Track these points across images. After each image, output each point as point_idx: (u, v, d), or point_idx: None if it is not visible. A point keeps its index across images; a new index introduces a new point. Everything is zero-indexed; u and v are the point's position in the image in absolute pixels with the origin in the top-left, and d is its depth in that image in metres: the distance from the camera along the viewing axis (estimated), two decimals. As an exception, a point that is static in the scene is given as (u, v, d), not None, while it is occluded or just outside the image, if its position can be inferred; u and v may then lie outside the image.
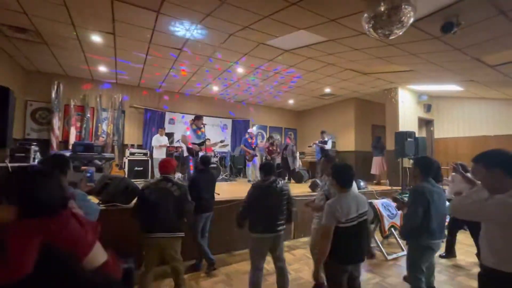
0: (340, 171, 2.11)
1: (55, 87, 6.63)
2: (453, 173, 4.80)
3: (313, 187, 7.17)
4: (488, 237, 1.48)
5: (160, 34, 4.39)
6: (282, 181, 2.75)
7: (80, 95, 7.16)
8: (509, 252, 1.37)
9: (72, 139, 6.63)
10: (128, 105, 7.85)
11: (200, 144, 5.26)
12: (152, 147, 6.93)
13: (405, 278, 3.25)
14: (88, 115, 7.11)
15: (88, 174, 4.31)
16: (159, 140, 6.73)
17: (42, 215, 0.91)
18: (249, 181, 7.14)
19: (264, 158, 7.95)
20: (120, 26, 4.10)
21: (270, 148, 7.82)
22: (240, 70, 6.23)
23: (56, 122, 6.60)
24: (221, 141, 8.10)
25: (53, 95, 6.59)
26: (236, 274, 3.44)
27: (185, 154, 5.53)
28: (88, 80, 7.20)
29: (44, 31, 4.34)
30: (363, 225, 2.08)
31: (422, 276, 2.32)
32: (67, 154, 4.48)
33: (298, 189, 5.88)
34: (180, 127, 8.42)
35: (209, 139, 8.09)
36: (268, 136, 9.27)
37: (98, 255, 1.03)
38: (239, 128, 9.78)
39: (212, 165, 7.45)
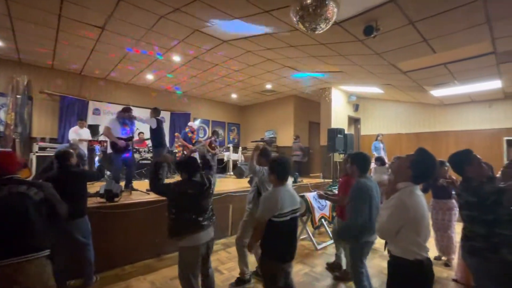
0: (279, 164, 2.07)
1: None
2: (375, 165, 5.39)
3: (238, 173, 7.25)
4: None
5: (72, 6, 3.67)
6: (211, 177, 2.55)
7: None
8: (410, 244, 1.53)
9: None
10: (38, 91, 6.54)
11: (127, 139, 4.65)
12: (70, 142, 5.91)
13: (328, 266, 3.46)
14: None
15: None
16: (78, 134, 5.76)
17: None
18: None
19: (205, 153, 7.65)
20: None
21: (213, 145, 7.58)
22: (176, 58, 5.77)
23: None
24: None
25: None
26: (164, 281, 3.15)
27: (109, 150, 4.85)
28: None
29: None
30: (295, 222, 2.07)
31: (363, 269, 2.42)
32: None
33: (239, 184, 5.81)
34: (106, 118, 7.40)
35: (142, 133, 7.39)
36: (212, 130, 8.97)
37: None
38: (178, 122, 9.20)
39: (147, 161, 6.81)
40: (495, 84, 5.42)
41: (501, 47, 3.79)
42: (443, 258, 3.74)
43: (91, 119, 7.20)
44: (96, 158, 5.84)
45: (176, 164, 2.62)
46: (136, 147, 6.86)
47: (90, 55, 5.69)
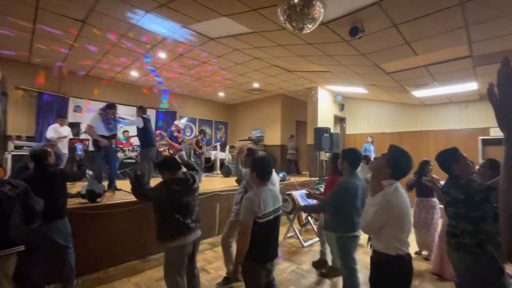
0: (260, 163, 2.01)
1: None
2: (361, 164, 5.52)
3: (226, 172, 7.26)
4: None
5: (51, -2, 3.51)
6: (197, 175, 2.52)
7: None
8: (393, 240, 1.59)
9: None
10: (14, 86, 6.21)
11: (110, 137, 4.50)
12: (49, 140, 5.65)
13: (313, 264, 3.52)
14: None
15: None
16: (57, 131, 5.52)
17: None
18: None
19: (192, 152, 7.56)
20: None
21: (200, 144, 7.49)
22: (162, 55, 5.65)
23: None
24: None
25: None
26: (150, 282, 3.09)
27: (91, 148, 4.68)
28: None
29: None
30: (278, 220, 2.06)
31: (355, 266, 2.45)
32: None
33: (226, 183, 5.78)
34: (89, 116, 7.15)
35: (127, 131, 7.19)
36: (199, 129, 8.86)
37: None
38: (164, 120, 9.02)
39: (131, 160, 6.65)
40: (471, 86, 5.68)
41: (477, 51, 3.97)
42: (423, 253, 3.89)
43: (71, 117, 6.93)
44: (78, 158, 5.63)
45: (156, 165, 2.57)
46: (120, 146, 6.67)
47: (70, 50, 5.46)
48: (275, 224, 2.00)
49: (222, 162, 8.49)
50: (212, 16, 3.68)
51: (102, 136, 4.39)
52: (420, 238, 3.85)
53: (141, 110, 4.92)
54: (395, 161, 1.67)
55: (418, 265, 3.55)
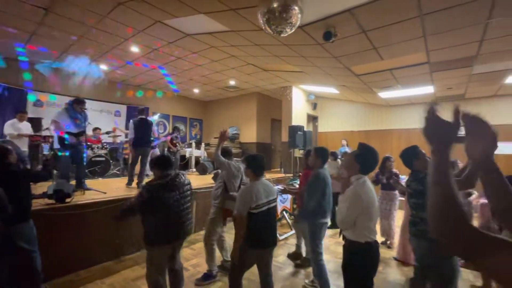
0: (254, 160, 2.21)
1: None
2: (329, 160, 5.86)
3: (202, 169, 7.25)
4: None
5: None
6: (185, 174, 2.57)
7: None
8: (363, 229, 1.77)
9: None
10: (-40, 77, 5.57)
11: (78, 135, 4.25)
12: (6, 137, 5.17)
13: (289, 256, 3.70)
14: None
15: None
16: (16, 128, 5.06)
17: None
18: (146, 175, 6.46)
19: (166, 150, 7.39)
20: None
21: (174, 141, 7.35)
22: (134, 49, 5.43)
23: None
24: (107, 132, 7.00)
25: None
26: (126, 283, 3.03)
27: (56, 145, 4.37)
28: None
29: None
30: (273, 211, 2.22)
31: (322, 249, 2.72)
32: None
33: (202, 181, 5.76)
34: (51, 111, 6.64)
35: (99, 129, 6.84)
36: (173, 126, 8.65)
37: None
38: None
39: (100, 158, 6.33)
40: (428, 89, 6.27)
41: (433, 58, 4.41)
42: (388, 242, 4.27)
43: (32, 112, 6.38)
44: (44, 158, 5.24)
45: (150, 162, 2.59)
46: (89, 143, 6.31)
47: (30, 38, 5.02)
48: (269, 214, 2.16)
49: (197, 159, 8.40)
50: (190, 12, 3.65)
51: (68, 133, 4.15)
52: (382, 226, 4.25)
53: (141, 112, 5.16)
54: (363, 157, 1.86)
55: (383, 252, 3.87)
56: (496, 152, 0.74)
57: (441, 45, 3.89)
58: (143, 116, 5.11)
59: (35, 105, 6.56)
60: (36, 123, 5.95)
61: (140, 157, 5.01)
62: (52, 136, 5.36)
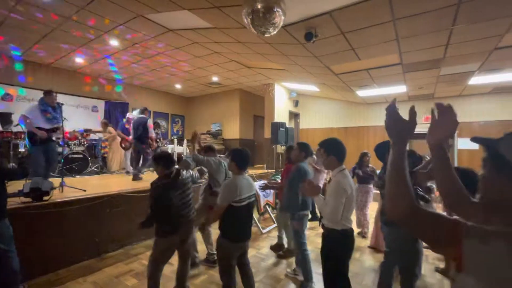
0: (239, 154, 2.26)
1: None
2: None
3: (185, 166, 7.20)
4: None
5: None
6: (185, 171, 2.65)
7: None
8: (340, 218, 1.90)
9: None
10: None
11: (51, 130, 4.05)
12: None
13: (271, 247, 3.85)
14: None
15: None
16: (-17, 123, 4.78)
17: None
18: (127, 172, 6.33)
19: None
20: None
21: (156, 138, 7.21)
22: (114, 43, 5.27)
23: None
24: (86, 131, 6.75)
25: None
26: (109, 280, 3.01)
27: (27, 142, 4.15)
28: None
29: None
30: (251, 206, 2.31)
31: (305, 240, 2.92)
32: None
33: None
34: (22, 105, 6.30)
35: (90, 130, 6.63)
36: (154, 122, 8.47)
37: None
38: (114, 112, 8.41)
39: (78, 155, 6.12)
40: (401, 88, 6.66)
41: (406, 60, 4.72)
42: (363, 232, 4.56)
43: (0, 106, 6.02)
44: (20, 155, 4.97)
45: (153, 158, 2.65)
46: (65, 140, 6.06)
47: (-1, 28, 4.72)
48: (248, 209, 2.25)
49: (179, 156, 8.32)
50: (174, 8, 3.63)
51: (40, 129, 3.95)
52: (357, 217, 4.53)
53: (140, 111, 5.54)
54: (333, 147, 2.03)
55: (358, 241, 4.16)
56: (460, 147, 0.88)
57: (412, 47, 4.17)
58: (143, 115, 5.55)
59: (4, 99, 6.18)
60: (5, 118, 5.63)
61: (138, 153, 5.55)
62: (23, 132, 5.10)
